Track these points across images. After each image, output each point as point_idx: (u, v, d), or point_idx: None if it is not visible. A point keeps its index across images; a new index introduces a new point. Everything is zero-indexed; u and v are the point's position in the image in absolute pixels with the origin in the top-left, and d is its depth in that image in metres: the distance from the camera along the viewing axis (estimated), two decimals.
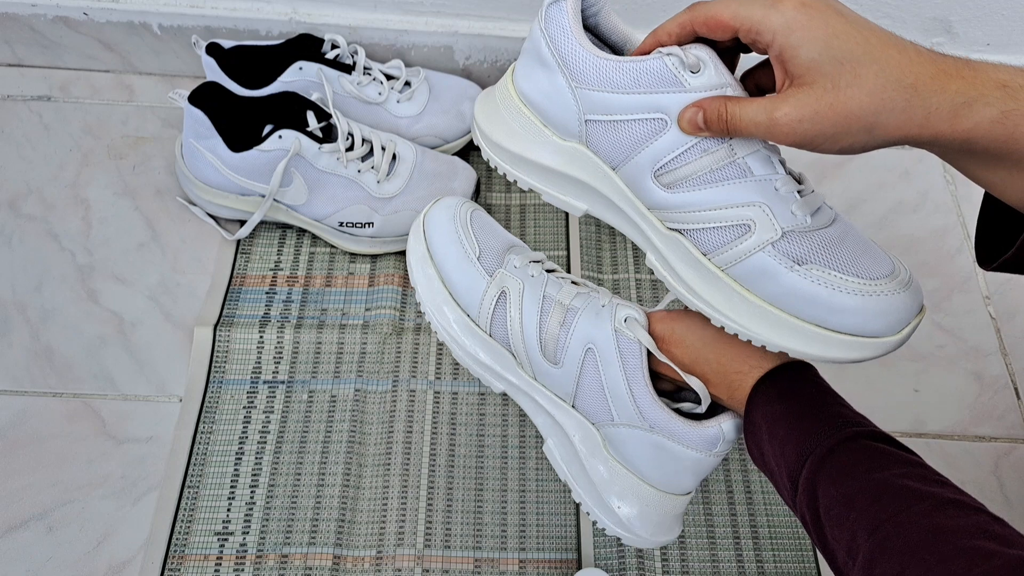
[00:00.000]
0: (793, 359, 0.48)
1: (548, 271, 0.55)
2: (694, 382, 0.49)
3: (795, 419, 0.44)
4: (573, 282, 0.55)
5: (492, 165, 0.50)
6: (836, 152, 0.39)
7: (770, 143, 0.43)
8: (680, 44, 0.41)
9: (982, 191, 0.44)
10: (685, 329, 0.50)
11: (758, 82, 0.44)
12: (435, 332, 0.55)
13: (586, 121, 0.44)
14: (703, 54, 0.41)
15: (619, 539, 0.53)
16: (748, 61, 0.44)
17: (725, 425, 0.49)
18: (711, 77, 0.41)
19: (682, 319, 0.51)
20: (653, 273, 0.77)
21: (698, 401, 0.51)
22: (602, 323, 0.50)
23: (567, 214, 0.80)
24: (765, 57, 0.42)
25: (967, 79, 0.36)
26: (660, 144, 0.42)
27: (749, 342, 0.45)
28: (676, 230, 0.45)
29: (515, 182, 0.49)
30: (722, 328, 0.49)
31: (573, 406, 0.52)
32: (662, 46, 0.42)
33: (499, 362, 0.54)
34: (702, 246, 0.44)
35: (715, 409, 0.51)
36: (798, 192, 0.43)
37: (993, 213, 0.45)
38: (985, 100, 0.35)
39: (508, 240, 0.58)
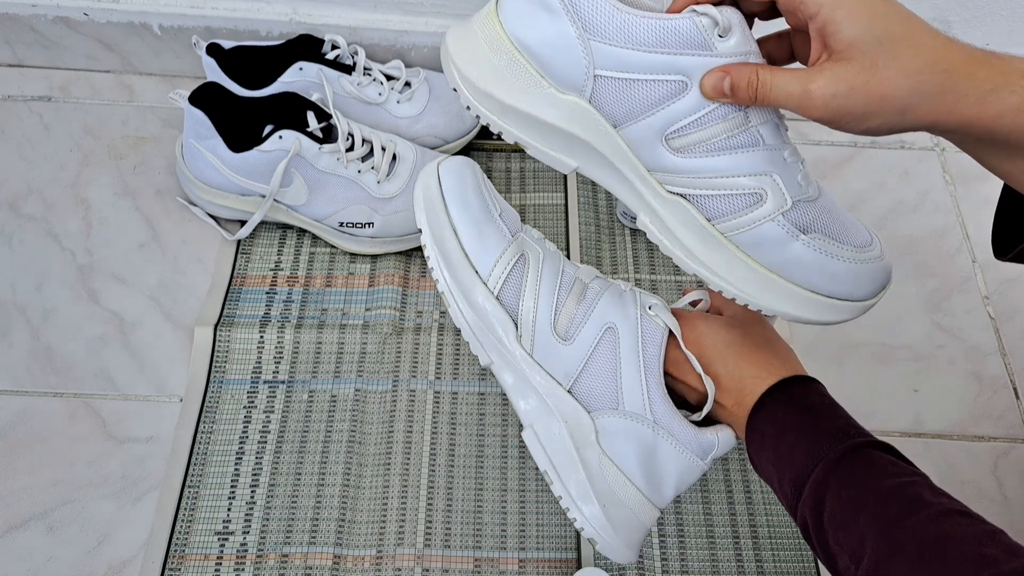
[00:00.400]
0: (802, 374, 0.49)
1: None
2: (708, 382, 0.49)
3: (807, 426, 0.45)
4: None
5: (474, 113, 0.46)
6: (861, 132, 0.38)
7: (780, 113, 0.43)
8: (715, 2, 0.40)
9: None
10: (707, 328, 0.51)
11: (769, 51, 0.44)
12: (436, 281, 0.51)
13: (595, 76, 0.42)
14: (734, 17, 0.40)
15: (593, 542, 0.51)
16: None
17: (722, 435, 0.50)
18: (738, 43, 0.40)
19: (705, 319, 0.51)
20: (654, 273, 0.78)
21: (695, 410, 0.51)
22: (626, 305, 0.50)
23: (567, 213, 0.80)
24: (778, 30, 0.42)
25: (994, 67, 0.36)
26: (677, 107, 0.41)
27: (761, 343, 0.45)
28: (679, 194, 0.44)
29: (499, 134, 0.46)
30: (742, 332, 0.49)
31: (569, 390, 0.50)
32: (697, 4, 0.40)
33: (499, 329, 0.51)
34: (708, 212, 0.44)
35: (704, 423, 0.51)
36: (801, 162, 0.44)
37: (1011, 205, 0.45)
38: (1010, 88, 0.36)
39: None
